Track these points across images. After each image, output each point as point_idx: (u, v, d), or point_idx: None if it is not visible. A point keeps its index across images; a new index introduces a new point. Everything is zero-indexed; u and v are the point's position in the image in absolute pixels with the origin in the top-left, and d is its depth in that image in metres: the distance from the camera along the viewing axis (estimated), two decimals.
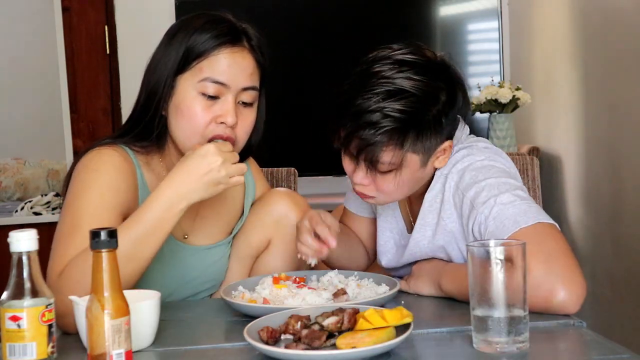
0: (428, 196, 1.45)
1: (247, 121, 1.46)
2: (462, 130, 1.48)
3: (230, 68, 1.42)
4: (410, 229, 1.55)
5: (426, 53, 1.40)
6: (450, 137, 1.42)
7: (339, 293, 1.33)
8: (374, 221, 1.67)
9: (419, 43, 1.42)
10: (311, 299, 1.32)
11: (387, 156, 1.35)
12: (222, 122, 1.41)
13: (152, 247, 1.30)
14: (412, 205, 1.55)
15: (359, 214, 1.69)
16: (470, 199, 1.36)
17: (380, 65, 1.37)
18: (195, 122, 1.41)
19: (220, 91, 1.41)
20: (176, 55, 1.42)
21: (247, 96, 1.45)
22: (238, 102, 1.44)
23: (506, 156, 1.47)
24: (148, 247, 1.29)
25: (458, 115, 1.49)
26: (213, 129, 1.42)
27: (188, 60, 1.41)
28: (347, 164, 1.43)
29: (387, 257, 1.59)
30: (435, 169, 1.44)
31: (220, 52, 1.41)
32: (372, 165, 1.36)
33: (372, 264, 1.72)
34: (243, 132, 1.46)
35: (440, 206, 1.43)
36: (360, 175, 1.40)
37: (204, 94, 1.41)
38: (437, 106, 1.36)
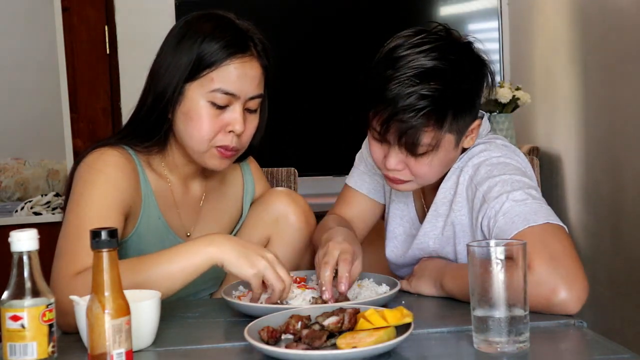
0: (442, 188, 1.46)
1: (251, 126, 1.48)
2: (485, 125, 1.49)
3: (240, 79, 1.43)
4: (422, 219, 1.56)
5: (452, 34, 1.41)
6: (478, 115, 1.43)
7: (319, 301, 1.32)
8: (372, 203, 1.68)
9: (443, 24, 1.43)
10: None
11: (427, 138, 1.35)
12: (230, 131, 1.43)
13: (175, 285, 1.29)
14: (425, 196, 1.56)
15: (361, 190, 1.69)
16: (483, 193, 1.37)
17: (404, 49, 1.36)
18: (204, 130, 1.42)
19: (229, 101, 1.43)
20: (186, 63, 1.42)
21: (253, 104, 1.47)
22: (244, 109, 1.45)
23: (523, 156, 1.48)
24: (171, 283, 1.28)
25: (483, 112, 1.50)
26: (221, 138, 1.44)
27: (198, 69, 1.41)
28: (377, 151, 1.42)
29: (393, 243, 1.59)
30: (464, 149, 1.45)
31: (231, 63, 1.42)
32: (413, 148, 1.36)
33: (374, 257, 1.72)
34: (247, 137, 1.48)
35: (452, 198, 1.45)
36: (394, 161, 1.39)
37: (213, 104, 1.42)
38: (469, 83, 1.37)
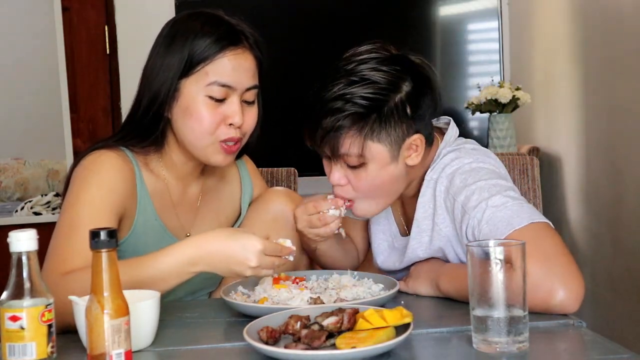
0: (420, 202, 1.45)
1: (251, 118, 1.49)
2: (451, 132, 1.48)
3: (235, 71, 1.43)
4: (403, 231, 1.55)
5: (390, 49, 1.42)
6: (419, 131, 1.41)
7: (317, 301, 1.32)
8: (363, 224, 1.68)
9: (384, 42, 1.44)
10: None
11: (347, 143, 1.36)
12: (230, 124, 1.44)
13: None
14: (405, 209, 1.55)
15: (349, 215, 1.69)
16: (462, 204, 1.35)
17: (345, 62, 1.40)
18: (204, 124, 1.43)
19: (226, 93, 1.43)
20: (179, 61, 1.42)
21: (250, 95, 1.48)
22: (242, 101, 1.46)
23: (494, 156, 1.47)
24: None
25: (450, 118, 1.49)
26: (223, 131, 1.44)
27: (192, 65, 1.42)
28: (325, 166, 1.45)
29: (382, 256, 1.59)
30: (424, 173, 1.44)
31: (224, 56, 1.43)
32: (335, 154, 1.38)
33: (368, 266, 1.73)
34: (248, 128, 1.49)
35: (433, 212, 1.43)
36: (336, 175, 1.41)
37: (210, 97, 1.42)
38: (400, 94, 1.36)
